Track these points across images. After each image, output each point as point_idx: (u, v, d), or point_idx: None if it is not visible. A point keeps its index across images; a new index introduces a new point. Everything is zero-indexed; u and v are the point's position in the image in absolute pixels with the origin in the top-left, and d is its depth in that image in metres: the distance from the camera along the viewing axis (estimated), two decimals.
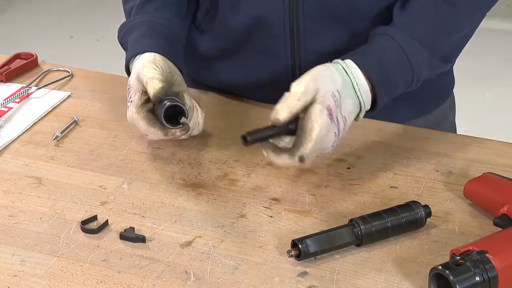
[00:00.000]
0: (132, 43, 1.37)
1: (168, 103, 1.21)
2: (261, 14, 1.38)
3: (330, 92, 1.18)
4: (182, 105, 1.22)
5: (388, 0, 1.35)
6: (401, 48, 1.26)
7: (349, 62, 1.23)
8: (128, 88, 1.29)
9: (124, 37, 1.40)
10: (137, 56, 1.33)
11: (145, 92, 1.26)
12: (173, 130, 1.22)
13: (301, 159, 1.15)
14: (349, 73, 1.22)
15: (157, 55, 1.31)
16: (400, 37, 1.27)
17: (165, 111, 1.21)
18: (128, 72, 1.36)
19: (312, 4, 1.35)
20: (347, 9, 1.35)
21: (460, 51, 1.37)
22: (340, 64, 1.23)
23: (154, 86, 1.23)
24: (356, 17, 1.36)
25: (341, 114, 1.19)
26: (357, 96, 1.22)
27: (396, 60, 1.26)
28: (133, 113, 1.26)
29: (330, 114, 1.17)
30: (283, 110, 1.16)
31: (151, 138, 1.28)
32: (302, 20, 1.36)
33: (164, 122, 1.21)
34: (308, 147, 1.15)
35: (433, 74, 1.34)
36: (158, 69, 1.27)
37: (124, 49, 1.40)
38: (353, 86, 1.21)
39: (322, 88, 1.17)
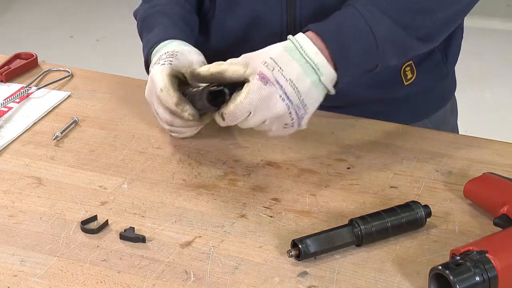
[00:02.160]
0: (161, 27, 1.38)
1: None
2: (258, 13, 1.38)
3: (260, 60, 1.17)
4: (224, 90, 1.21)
5: None
6: (360, 14, 1.22)
7: (299, 34, 1.21)
8: (169, 54, 1.29)
9: (148, 18, 1.41)
10: (168, 41, 1.34)
11: (181, 74, 1.26)
12: (186, 106, 1.23)
13: (222, 116, 1.18)
14: (292, 40, 1.20)
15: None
16: (361, 6, 1.23)
17: (210, 88, 1.20)
18: (147, 56, 1.35)
19: (308, 2, 1.35)
20: None
21: (441, 32, 1.30)
22: (289, 38, 1.21)
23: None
24: None
25: (284, 77, 1.16)
26: (305, 59, 1.18)
27: (354, 25, 1.22)
28: (160, 71, 1.25)
29: (263, 77, 1.16)
30: (204, 68, 1.21)
31: (163, 100, 1.25)
32: (299, 19, 1.36)
33: (206, 103, 1.20)
34: (229, 106, 1.17)
35: (407, 53, 1.29)
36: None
37: (143, 31, 1.41)
38: (298, 50, 1.19)
39: (251, 62, 1.18)
